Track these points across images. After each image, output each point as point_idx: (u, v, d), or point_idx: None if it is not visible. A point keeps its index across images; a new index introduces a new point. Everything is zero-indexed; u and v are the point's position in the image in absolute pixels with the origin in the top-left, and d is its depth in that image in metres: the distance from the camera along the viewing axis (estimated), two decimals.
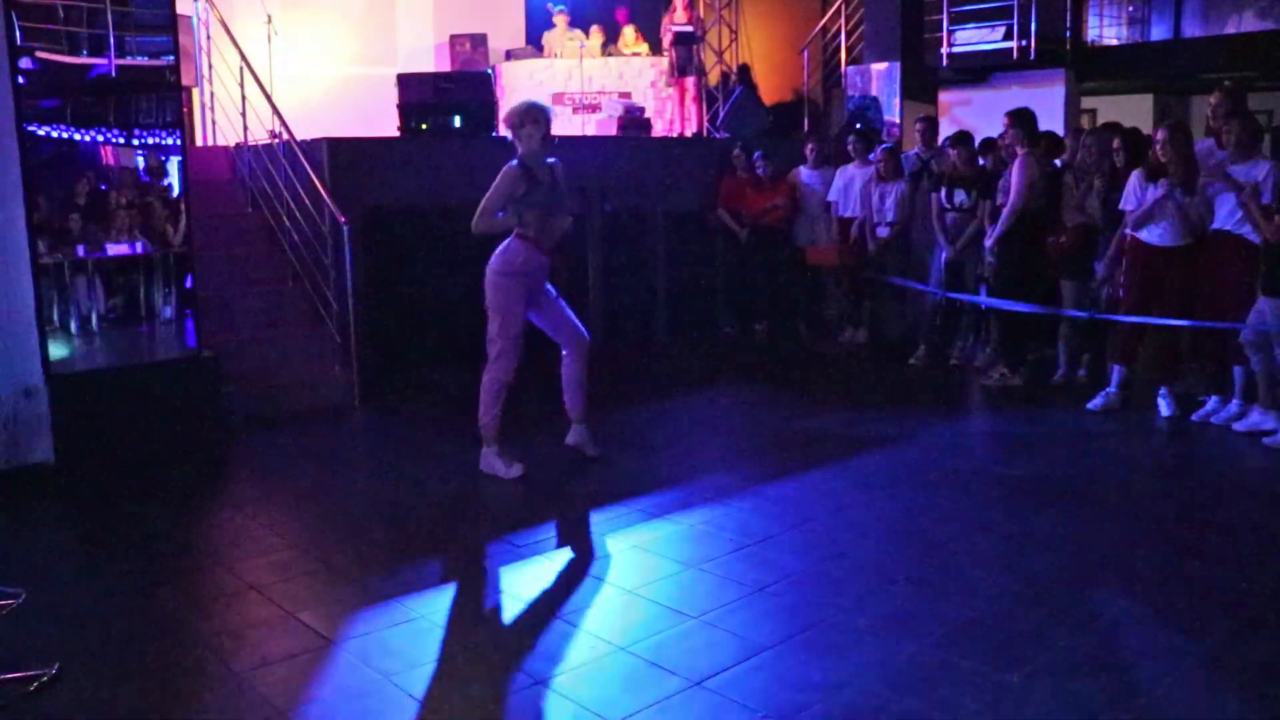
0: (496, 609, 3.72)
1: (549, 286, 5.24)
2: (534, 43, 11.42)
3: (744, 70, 11.13)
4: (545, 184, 5.04)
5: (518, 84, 10.68)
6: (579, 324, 5.33)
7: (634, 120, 9.65)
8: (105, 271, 5.64)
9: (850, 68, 11.01)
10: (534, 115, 4.99)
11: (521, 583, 3.95)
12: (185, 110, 7.63)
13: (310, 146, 7.05)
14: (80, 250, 5.50)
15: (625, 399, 6.78)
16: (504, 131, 5.08)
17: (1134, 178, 5.99)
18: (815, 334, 8.94)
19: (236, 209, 7.50)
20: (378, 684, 3.14)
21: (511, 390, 5.18)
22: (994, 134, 7.56)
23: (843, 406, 6.59)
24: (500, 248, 5.08)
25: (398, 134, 8.11)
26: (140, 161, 5.72)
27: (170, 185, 5.83)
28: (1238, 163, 5.58)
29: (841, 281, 8.78)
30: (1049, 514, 4.55)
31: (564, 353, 5.32)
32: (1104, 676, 3.12)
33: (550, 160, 5.11)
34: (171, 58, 5.73)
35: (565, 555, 4.24)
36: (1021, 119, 6.77)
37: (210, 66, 8.08)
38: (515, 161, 5.00)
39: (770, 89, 11.59)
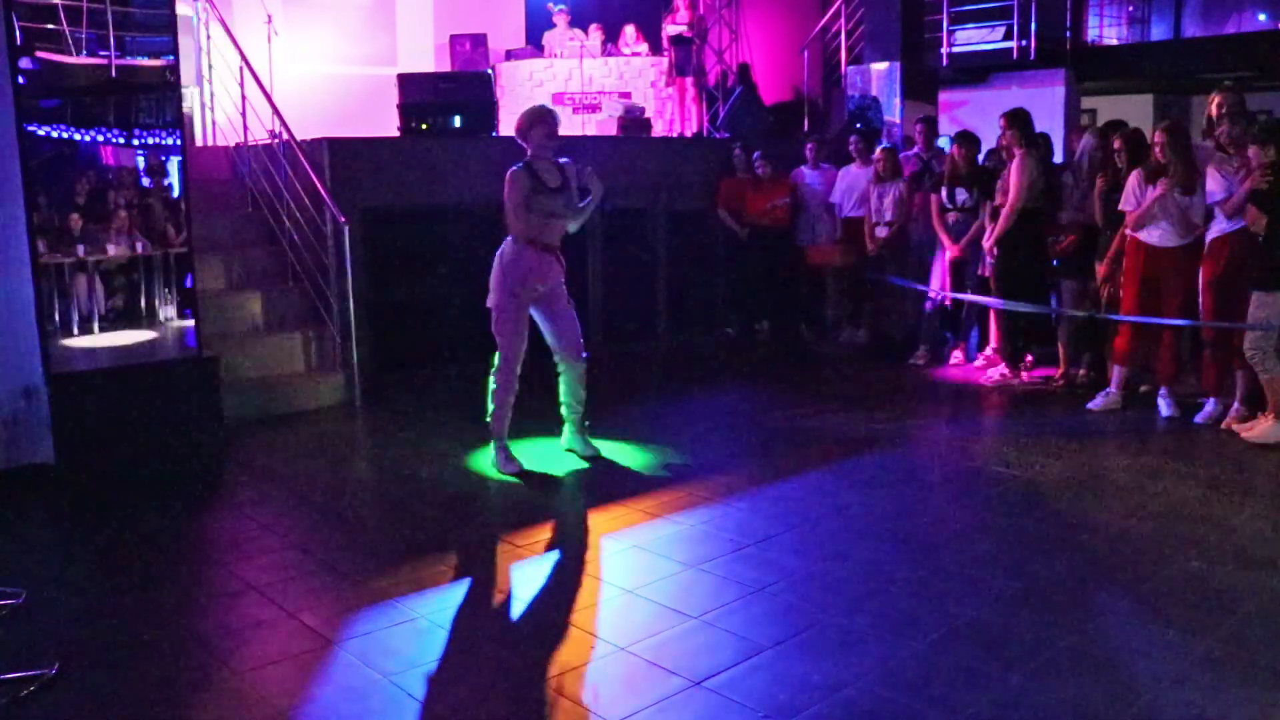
0: (496, 609, 3.72)
1: (565, 297, 5.26)
2: (534, 43, 11.41)
3: (744, 70, 11.12)
4: (554, 187, 5.09)
5: (518, 84, 10.67)
6: (578, 343, 5.34)
7: (634, 120, 9.64)
8: (105, 271, 5.64)
9: (850, 68, 11.01)
10: (540, 118, 5.09)
11: (521, 583, 3.95)
12: (185, 110, 7.62)
13: (310, 146, 7.04)
14: (80, 250, 5.51)
15: (626, 399, 6.78)
16: (516, 138, 5.16)
17: (1134, 178, 5.99)
18: (815, 334, 8.93)
19: (236, 209, 7.49)
20: (378, 684, 3.14)
21: (521, 387, 5.27)
22: (995, 134, 7.56)
23: (843, 406, 6.59)
24: (501, 247, 5.16)
25: (398, 134, 8.11)
26: (140, 161, 5.72)
27: (170, 185, 5.83)
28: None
29: (841, 281, 8.78)
30: (1049, 514, 4.55)
31: (559, 366, 5.37)
32: (1104, 676, 3.12)
33: (563, 160, 5.19)
34: (171, 58, 5.72)
35: (565, 555, 4.24)
36: (1017, 119, 6.77)
37: (210, 66, 8.07)
38: (519, 165, 5.08)
39: (770, 89, 11.58)
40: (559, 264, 5.21)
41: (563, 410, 5.46)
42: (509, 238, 5.13)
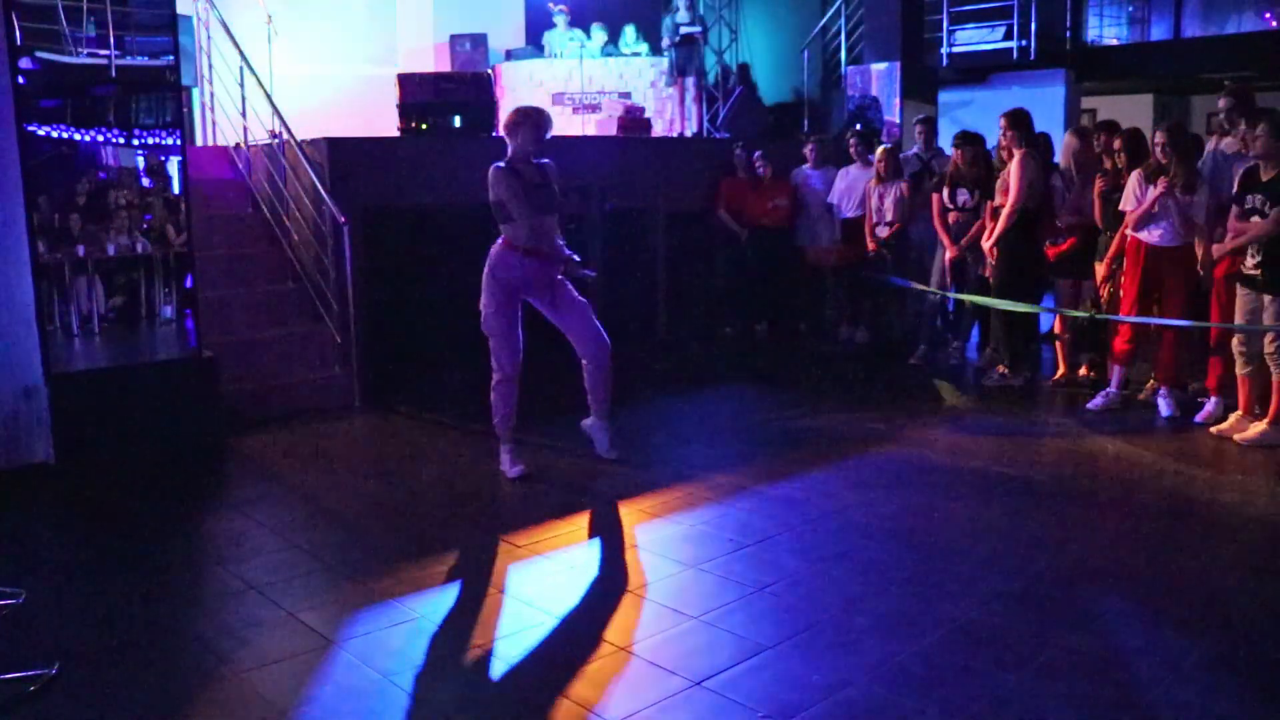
0: (496, 609, 3.72)
1: (570, 291, 5.18)
2: (534, 43, 11.41)
3: (744, 70, 11.13)
4: (534, 183, 5.01)
5: (518, 84, 10.67)
6: (598, 332, 5.26)
7: (634, 120, 9.64)
8: (105, 271, 5.64)
9: (850, 68, 11.01)
10: (531, 118, 5.02)
11: (521, 583, 3.95)
12: (185, 110, 7.62)
13: (310, 146, 7.05)
14: (80, 250, 5.51)
15: (626, 399, 6.77)
16: (504, 134, 5.10)
17: (1134, 178, 5.99)
18: (815, 334, 8.93)
19: (236, 209, 7.49)
20: (378, 684, 3.14)
21: (522, 388, 5.18)
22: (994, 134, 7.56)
23: (843, 406, 6.59)
24: (491, 250, 5.08)
25: (398, 134, 8.11)
26: (140, 161, 5.72)
27: (170, 185, 5.83)
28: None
29: (841, 281, 8.78)
30: (1048, 514, 4.55)
31: (582, 360, 5.30)
32: (1104, 676, 3.12)
33: (542, 161, 5.10)
34: (171, 58, 5.72)
35: (565, 555, 4.23)
36: (1017, 120, 6.76)
37: (210, 66, 8.08)
38: (500, 163, 5.00)
39: (770, 89, 11.59)
40: (559, 266, 5.11)
41: (589, 403, 5.41)
42: (499, 240, 5.05)
